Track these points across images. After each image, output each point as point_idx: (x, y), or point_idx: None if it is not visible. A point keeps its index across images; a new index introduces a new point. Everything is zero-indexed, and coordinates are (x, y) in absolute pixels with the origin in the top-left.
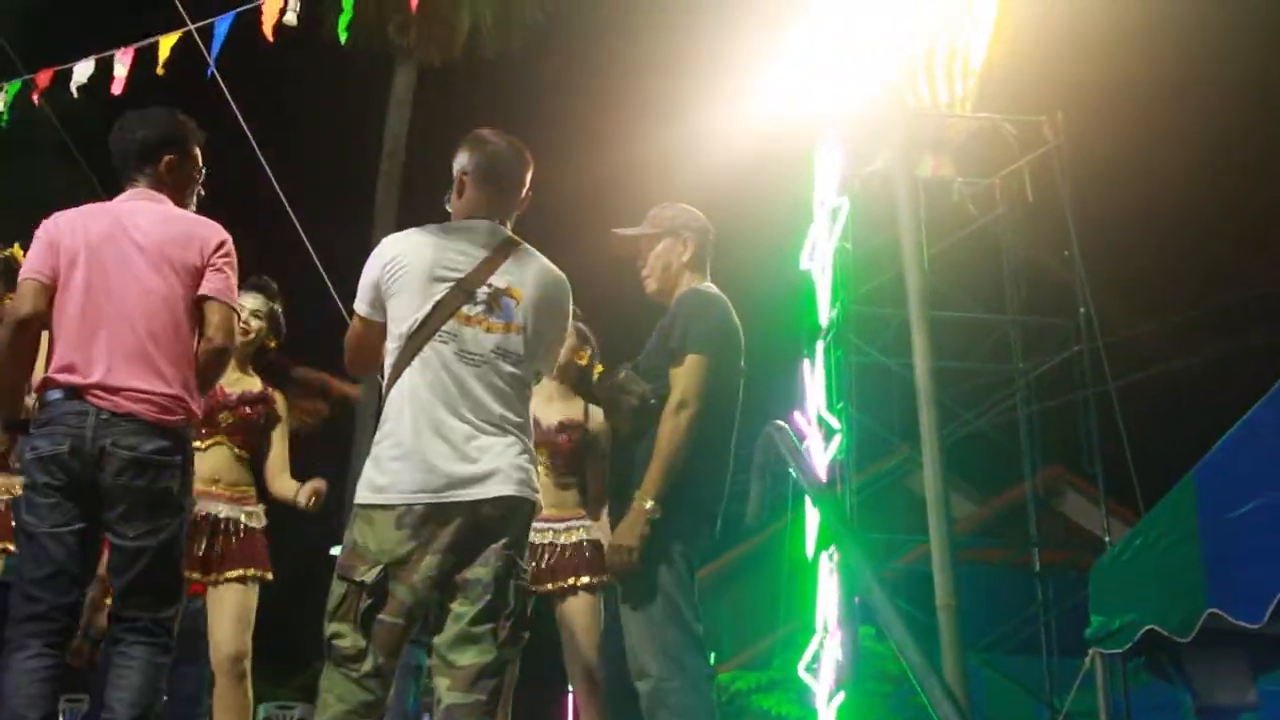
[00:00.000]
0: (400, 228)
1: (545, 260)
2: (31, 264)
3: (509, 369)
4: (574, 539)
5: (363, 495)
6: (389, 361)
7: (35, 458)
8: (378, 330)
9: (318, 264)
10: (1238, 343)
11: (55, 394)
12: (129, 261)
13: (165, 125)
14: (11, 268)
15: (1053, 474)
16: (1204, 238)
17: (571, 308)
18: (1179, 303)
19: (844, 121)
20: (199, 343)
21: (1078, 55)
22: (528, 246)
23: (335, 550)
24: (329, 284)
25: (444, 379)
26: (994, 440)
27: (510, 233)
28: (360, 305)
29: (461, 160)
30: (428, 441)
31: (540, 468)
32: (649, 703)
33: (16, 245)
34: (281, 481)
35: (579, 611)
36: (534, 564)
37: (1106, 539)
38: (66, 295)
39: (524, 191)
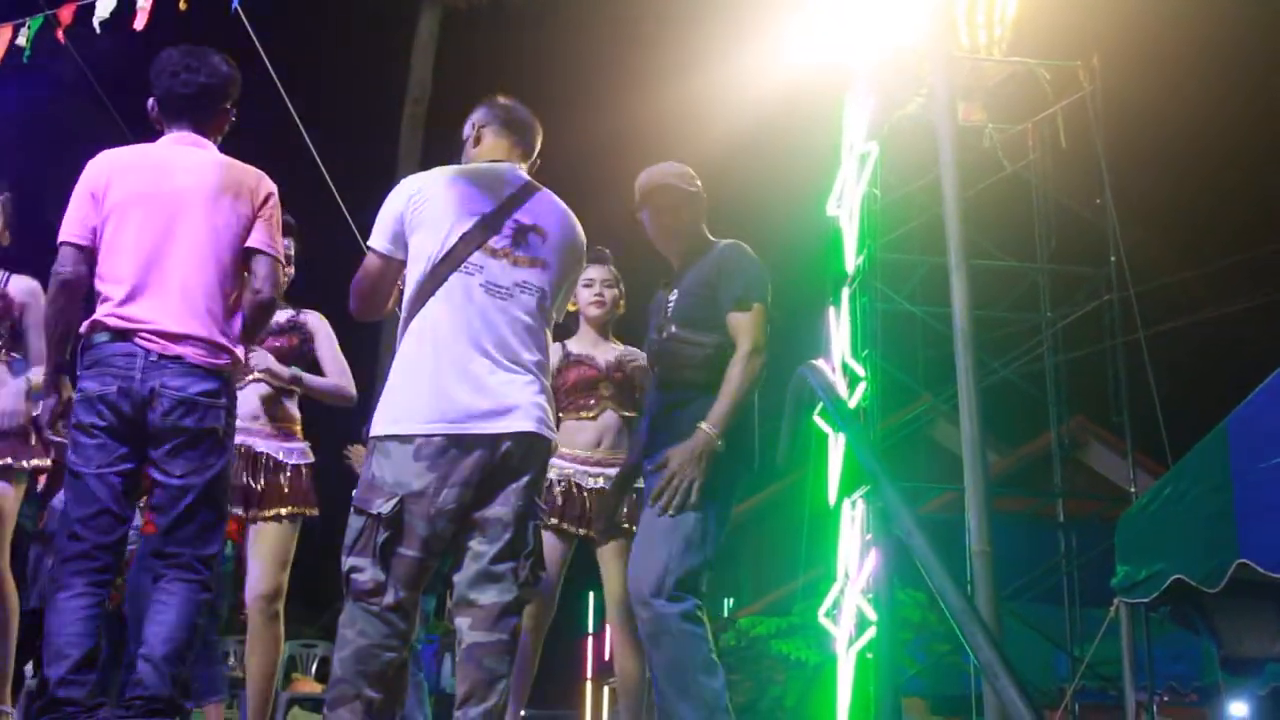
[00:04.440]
0: None
1: (563, 202)
2: (70, 225)
3: (533, 303)
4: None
5: (380, 427)
6: (409, 293)
7: (83, 398)
8: (395, 268)
9: (342, 207)
10: (1271, 292)
11: (102, 336)
12: (178, 210)
13: (228, 76)
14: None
15: (1079, 424)
16: (1239, 186)
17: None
18: (1212, 251)
19: (875, 66)
20: (246, 293)
21: None
22: (546, 189)
23: None
24: (353, 227)
25: (468, 311)
26: (1020, 389)
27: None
28: (379, 241)
29: (477, 116)
30: (447, 374)
31: (607, 404)
32: (650, 629)
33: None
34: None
35: (622, 555)
36: (582, 508)
37: (1132, 490)
38: (116, 245)
39: (535, 155)
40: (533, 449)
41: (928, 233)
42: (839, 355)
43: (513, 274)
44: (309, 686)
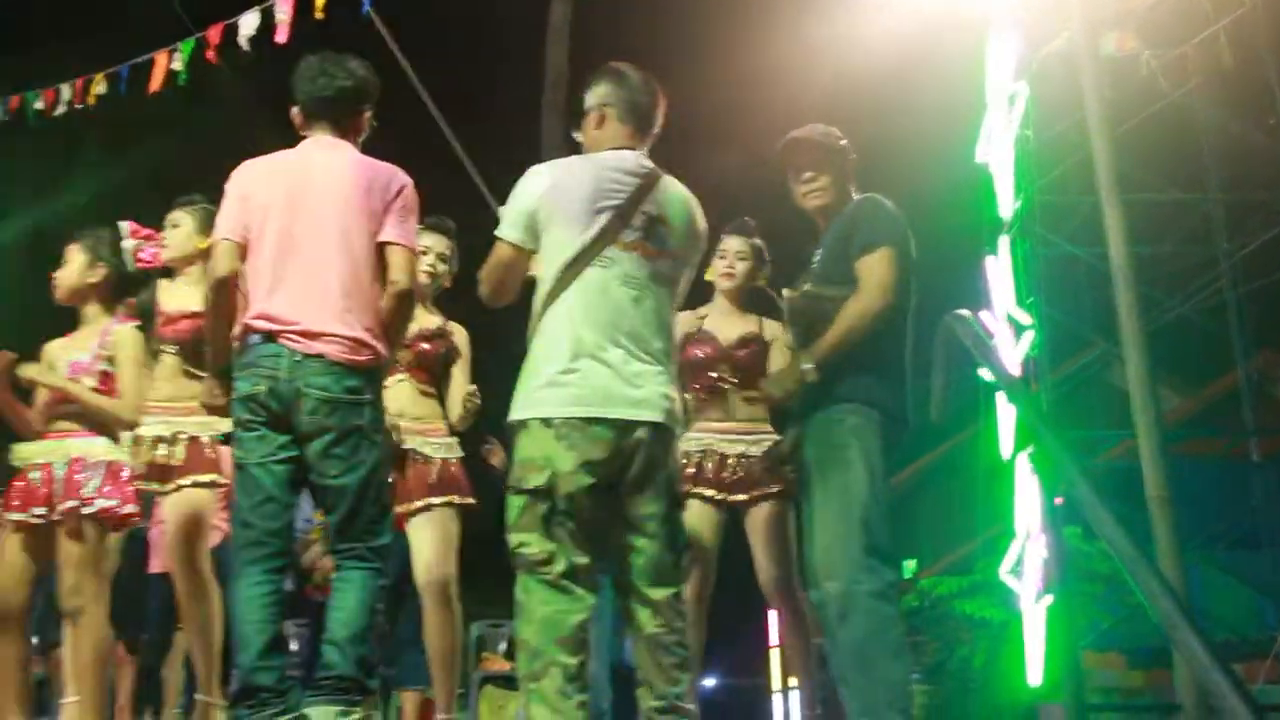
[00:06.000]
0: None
1: (684, 188)
2: (224, 224)
3: (665, 293)
4: (763, 448)
5: (518, 412)
6: (545, 287)
7: (237, 398)
8: (525, 258)
9: (487, 197)
10: None
11: (254, 338)
12: (316, 210)
13: (366, 79)
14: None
15: (1267, 358)
16: None
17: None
18: None
19: (1014, 3)
20: (384, 286)
21: None
22: (669, 176)
23: None
24: (499, 217)
25: (603, 304)
26: (1199, 327)
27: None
28: (511, 232)
29: (601, 92)
30: (583, 362)
31: (724, 386)
32: (839, 606)
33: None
34: (456, 414)
35: (767, 521)
36: (725, 474)
37: None
38: (260, 246)
39: (656, 131)
40: (661, 440)
41: (1085, 171)
42: (1002, 306)
43: (644, 266)
44: (499, 665)
